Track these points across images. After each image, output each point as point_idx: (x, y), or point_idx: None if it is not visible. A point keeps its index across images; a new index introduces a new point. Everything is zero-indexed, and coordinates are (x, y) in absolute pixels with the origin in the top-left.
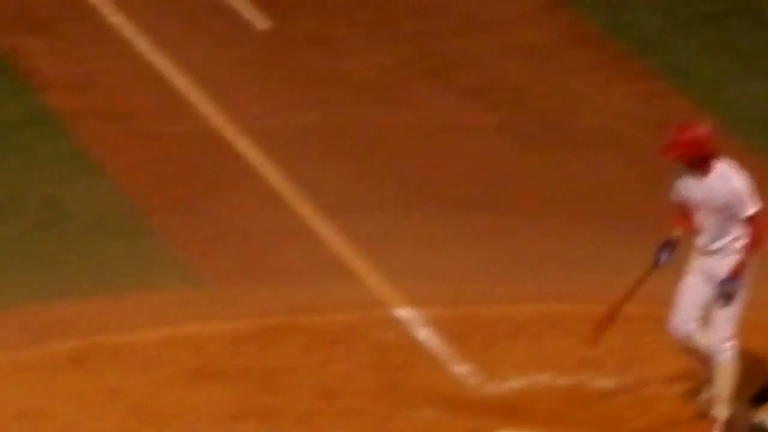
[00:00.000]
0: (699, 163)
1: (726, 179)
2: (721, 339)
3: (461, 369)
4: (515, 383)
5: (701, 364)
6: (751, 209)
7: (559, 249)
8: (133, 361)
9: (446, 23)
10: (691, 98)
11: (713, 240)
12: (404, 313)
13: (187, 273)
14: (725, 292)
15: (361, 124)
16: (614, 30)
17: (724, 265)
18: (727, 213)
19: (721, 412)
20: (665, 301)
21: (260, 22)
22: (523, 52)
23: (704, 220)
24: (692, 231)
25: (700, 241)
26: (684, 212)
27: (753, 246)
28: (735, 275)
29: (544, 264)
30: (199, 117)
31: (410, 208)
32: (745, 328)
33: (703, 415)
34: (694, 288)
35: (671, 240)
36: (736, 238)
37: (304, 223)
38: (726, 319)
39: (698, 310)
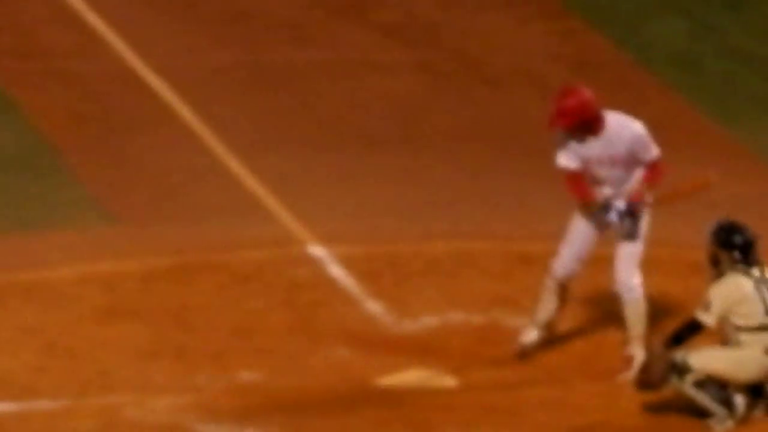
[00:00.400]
0: (591, 124)
1: (625, 127)
2: (627, 278)
3: (374, 307)
4: (429, 321)
5: (556, 305)
6: (654, 151)
7: (474, 186)
8: (47, 298)
9: None
10: (608, 36)
11: (618, 191)
12: (317, 250)
13: (101, 211)
14: (627, 226)
15: (276, 62)
16: None
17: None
18: (629, 162)
19: (636, 350)
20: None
21: None
22: None
23: (607, 175)
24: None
25: (601, 194)
26: (582, 179)
27: (652, 181)
28: (635, 199)
29: (459, 201)
30: (114, 56)
31: (324, 146)
32: (658, 266)
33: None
34: (583, 234)
35: (603, 206)
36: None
37: (218, 162)
38: (629, 259)
39: (583, 255)
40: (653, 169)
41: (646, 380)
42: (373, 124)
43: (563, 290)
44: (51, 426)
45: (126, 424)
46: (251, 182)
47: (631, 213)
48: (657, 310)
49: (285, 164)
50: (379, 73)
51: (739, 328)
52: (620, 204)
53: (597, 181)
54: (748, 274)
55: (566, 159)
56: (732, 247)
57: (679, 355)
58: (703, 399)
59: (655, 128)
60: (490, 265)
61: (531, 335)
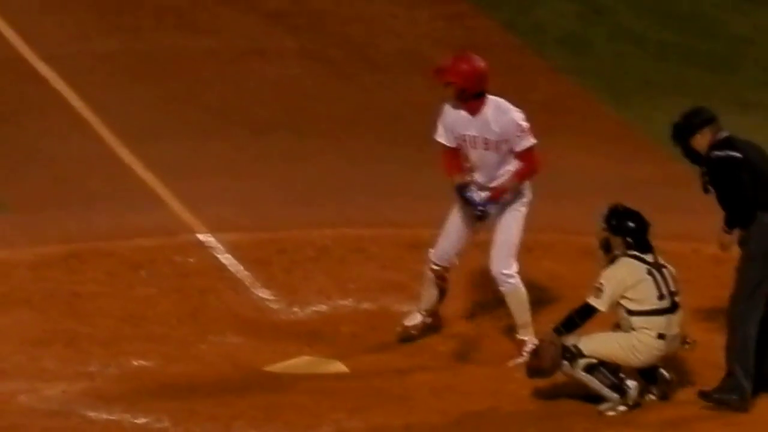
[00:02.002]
0: (473, 97)
1: (503, 112)
2: (502, 268)
3: (264, 294)
4: (318, 308)
5: (437, 294)
6: (530, 141)
7: (362, 173)
8: None
9: None
10: (497, 19)
11: (490, 178)
12: (206, 238)
13: None
14: (481, 214)
15: (163, 49)
16: None
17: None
18: (503, 148)
19: (526, 335)
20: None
21: None
22: None
23: (479, 158)
24: (465, 173)
25: (476, 179)
26: (455, 157)
27: (523, 175)
28: (493, 199)
29: (347, 188)
30: (2, 44)
31: (212, 133)
32: (548, 251)
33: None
34: (459, 225)
35: (462, 185)
36: (511, 171)
37: (107, 150)
38: (504, 248)
39: (459, 246)
40: (526, 159)
41: (537, 366)
42: (260, 111)
43: (442, 280)
44: None
45: (18, 410)
46: (140, 170)
47: (491, 200)
48: (547, 295)
49: (173, 152)
50: (265, 60)
51: (632, 312)
52: (481, 194)
53: (471, 166)
54: (641, 259)
55: (443, 135)
56: (625, 232)
57: (571, 340)
58: (595, 384)
59: (545, 112)
60: (378, 252)
61: (414, 319)
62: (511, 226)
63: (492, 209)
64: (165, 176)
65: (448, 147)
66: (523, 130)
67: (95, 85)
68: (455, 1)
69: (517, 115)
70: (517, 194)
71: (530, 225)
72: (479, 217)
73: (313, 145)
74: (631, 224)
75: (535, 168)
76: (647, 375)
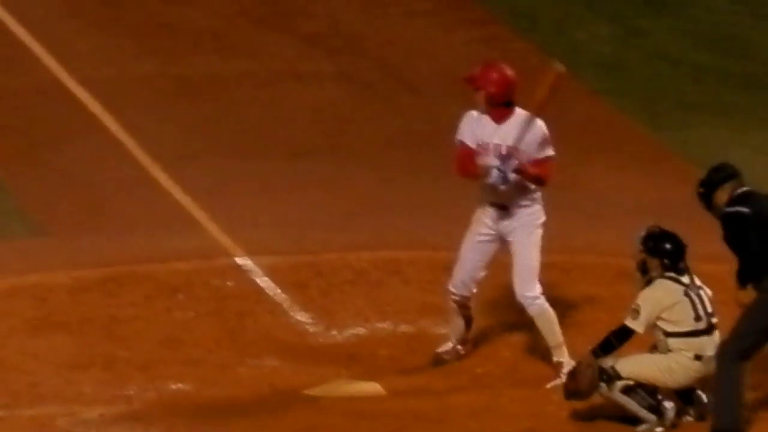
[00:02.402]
0: (500, 105)
1: (533, 130)
2: (525, 291)
3: (301, 317)
4: (356, 330)
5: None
6: (550, 151)
7: (399, 196)
8: None
9: None
10: (535, 42)
11: (508, 192)
12: (244, 261)
13: (29, 223)
14: (497, 176)
15: (199, 72)
16: None
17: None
18: (522, 158)
19: (562, 356)
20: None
21: None
22: None
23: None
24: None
25: (494, 195)
26: (472, 160)
27: (537, 177)
28: (514, 168)
29: (384, 211)
30: (40, 69)
31: (249, 156)
32: (585, 273)
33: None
34: (480, 247)
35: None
36: (529, 192)
37: (144, 173)
38: (526, 271)
39: (475, 273)
40: (543, 168)
41: (574, 389)
42: (298, 133)
43: (465, 308)
44: None
45: None
46: (177, 193)
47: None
48: (584, 317)
49: (211, 175)
50: (303, 83)
51: (669, 334)
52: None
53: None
54: (677, 280)
55: (465, 135)
56: (661, 254)
57: (608, 362)
58: (632, 405)
59: (581, 133)
60: (416, 275)
61: (445, 346)
62: (529, 249)
63: (509, 175)
64: (202, 199)
65: (468, 147)
66: (546, 140)
67: (132, 108)
68: (492, 24)
69: (542, 125)
70: (531, 215)
71: (567, 246)
72: (497, 179)
73: (350, 167)
74: (668, 246)
75: (547, 177)
76: (684, 396)
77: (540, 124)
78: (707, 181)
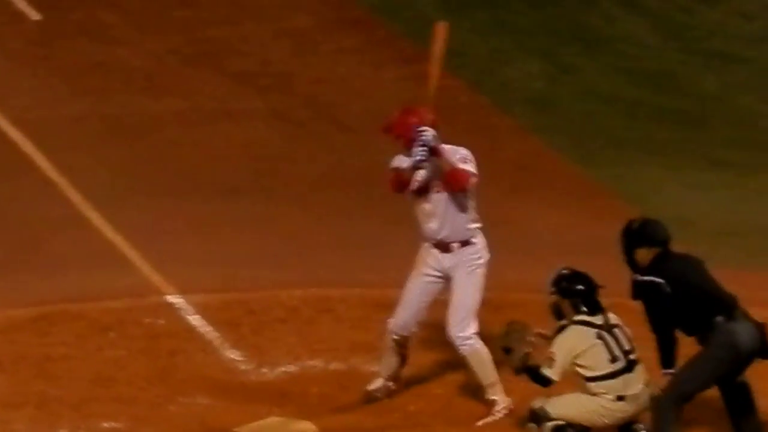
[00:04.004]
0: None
1: (453, 152)
2: (458, 331)
3: (233, 355)
4: (288, 368)
5: (398, 360)
6: (472, 169)
7: (331, 233)
8: None
9: (215, 10)
10: (465, 79)
11: (443, 228)
12: (175, 299)
13: None
14: (420, 158)
15: (131, 112)
16: (384, 12)
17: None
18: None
19: (495, 394)
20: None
21: (32, 13)
22: (291, 36)
23: (433, 205)
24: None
25: (430, 230)
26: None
27: (456, 171)
28: (433, 150)
29: (315, 248)
30: None
31: (180, 195)
32: (516, 309)
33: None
34: (426, 288)
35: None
36: (469, 228)
37: (76, 212)
38: (461, 310)
39: (419, 315)
40: (462, 171)
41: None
42: (229, 172)
43: (403, 348)
44: None
45: None
46: (109, 232)
47: (432, 151)
48: None
49: (142, 214)
50: (234, 121)
51: (588, 379)
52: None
53: (426, 216)
54: (589, 324)
55: (400, 164)
56: (574, 294)
57: (538, 402)
58: None
59: (513, 171)
60: (347, 312)
61: (377, 383)
62: (467, 288)
63: (424, 154)
64: (134, 238)
65: (401, 168)
66: (467, 158)
67: (64, 148)
68: (421, 61)
69: (464, 150)
70: (472, 254)
71: (498, 283)
72: (417, 162)
73: (282, 205)
74: (580, 287)
75: (465, 180)
76: (624, 430)
77: (463, 151)
78: (635, 233)
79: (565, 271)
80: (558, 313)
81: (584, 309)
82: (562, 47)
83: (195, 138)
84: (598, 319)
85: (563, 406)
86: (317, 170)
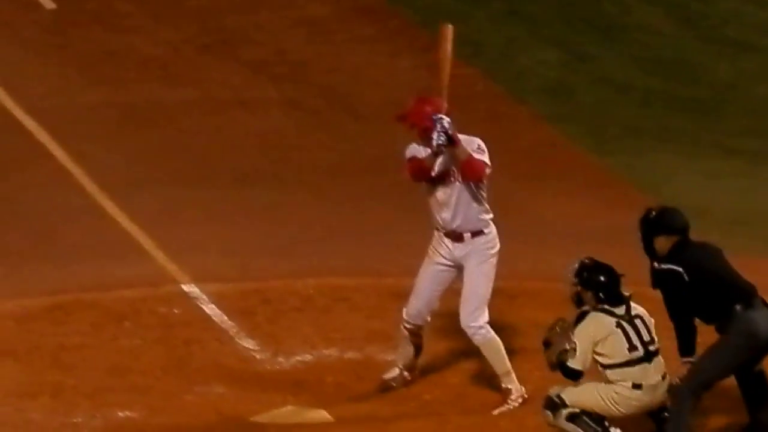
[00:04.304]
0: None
1: (468, 142)
2: (471, 321)
3: (248, 344)
4: (303, 357)
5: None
6: (485, 159)
7: (345, 222)
8: None
9: None
10: (480, 68)
11: (456, 217)
12: (191, 289)
13: None
14: (439, 145)
15: (146, 101)
16: (399, 0)
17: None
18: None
19: (510, 383)
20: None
21: (47, 2)
22: (306, 25)
23: (446, 195)
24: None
25: (443, 220)
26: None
27: (472, 160)
28: (451, 136)
29: (330, 237)
30: None
31: (195, 184)
32: (533, 298)
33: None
34: (439, 277)
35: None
36: (482, 218)
37: (91, 201)
38: (472, 300)
39: (431, 303)
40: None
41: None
42: (244, 161)
43: (417, 337)
44: None
45: None
46: (124, 221)
47: (449, 138)
48: (531, 343)
49: (156, 202)
50: (248, 110)
51: (605, 366)
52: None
53: (438, 206)
54: (610, 312)
55: (416, 153)
56: (595, 286)
57: (555, 390)
58: None
59: (528, 160)
60: (362, 301)
61: (392, 372)
62: (479, 277)
63: (442, 140)
64: (148, 227)
65: (417, 158)
66: (482, 149)
67: (78, 137)
68: (435, 51)
69: (479, 140)
70: (485, 243)
71: (514, 272)
72: (438, 147)
73: (297, 194)
74: (601, 278)
75: (480, 170)
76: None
77: (477, 140)
78: (654, 222)
79: (586, 262)
80: (579, 304)
81: (606, 300)
82: (577, 36)
83: (210, 127)
84: (619, 310)
85: (579, 393)
86: (332, 159)
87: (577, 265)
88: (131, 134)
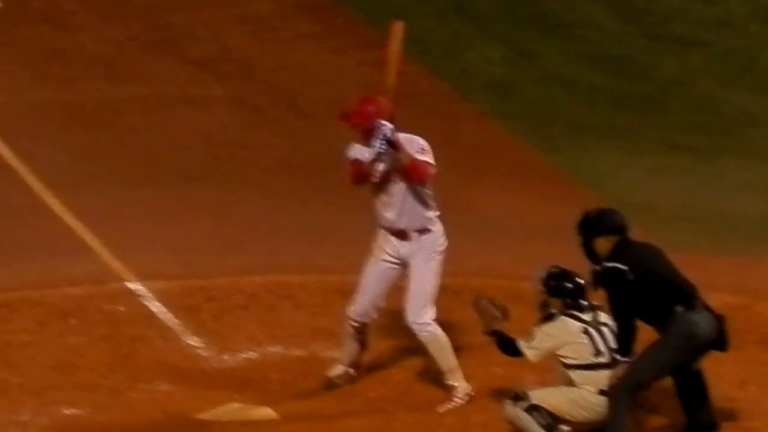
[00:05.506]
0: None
1: (410, 141)
2: (416, 317)
3: (193, 341)
4: (248, 355)
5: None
6: (429, 159)
7: (290, 220)
8: None
9: None
10: (426, 65)
11: (402, 217)
12: (136, 286)
13: None
14: (380, 150)
15: (92, 99)
16: None
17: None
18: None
19: (455, 380)
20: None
21: None
22: (251, 23)
23: (390, 194)
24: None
25: (388, 220)
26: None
27: (415, 163)
28: (392, 143)
29: (275, 235)
30: None
31: (141, 181)
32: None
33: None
34: (384, 275)
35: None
36: (428, 216)
37: (36, 200)
38: (418, 297)
39: (377, 301)
40: (421, 163)
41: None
42: (189, 158)
43: (362, 334)
44: None
45: None
46: (70, 219)
47: (391, 144)
48: (476, 340)
49: (103, 200)
50: (193, 108)
51: (569, 366)
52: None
53: (383, 204)
54: (578, 318)
55: (356, 154)
56: (563, 293)
57: (523, 388)
58: (529, 422)
59: (473, 157)
60: (307, 299)
61: (337, 369)
62: (425, 274)
63: (384, 147)
64: (94, 225)
65: (359, 160)
66: (425, 149)
67: (24, 135)
68: (381, 47)
69: (421, 140)
70: (431, 241)
71: (459, 269)
72: (378, 155)
73: (241, 192)
74: (569, 286)
75: (424, 172)
76: None
77: (419, 140)
78: (594, 222)
79: (554, 270)
80: (545, 310)
81: (573, 306)
82: (522, 32)
83: (155, 124)
84: (586, 315)
85: (545, 393)
86: (276, 156)
87: (544, 274)
88: (77, 132)
